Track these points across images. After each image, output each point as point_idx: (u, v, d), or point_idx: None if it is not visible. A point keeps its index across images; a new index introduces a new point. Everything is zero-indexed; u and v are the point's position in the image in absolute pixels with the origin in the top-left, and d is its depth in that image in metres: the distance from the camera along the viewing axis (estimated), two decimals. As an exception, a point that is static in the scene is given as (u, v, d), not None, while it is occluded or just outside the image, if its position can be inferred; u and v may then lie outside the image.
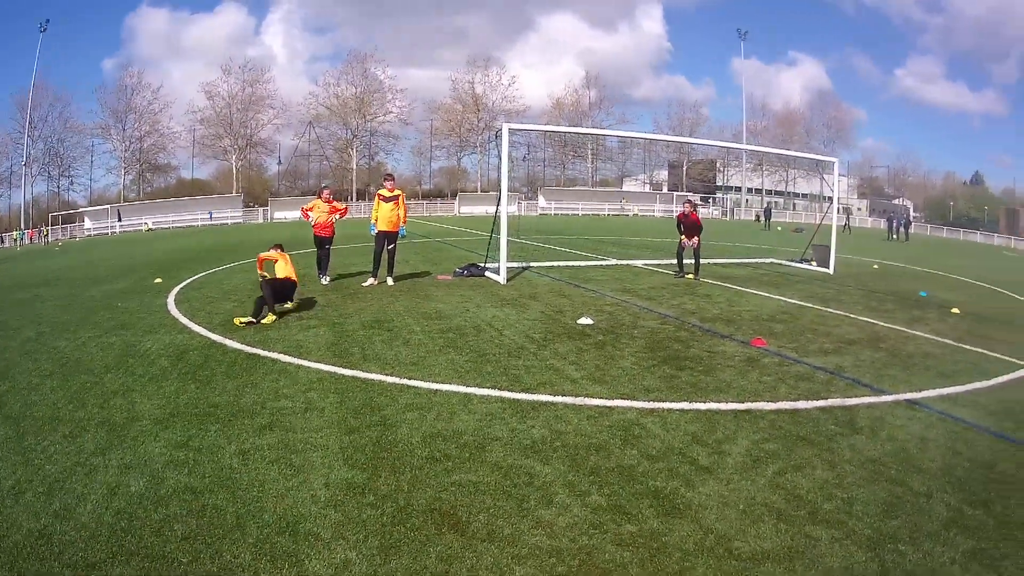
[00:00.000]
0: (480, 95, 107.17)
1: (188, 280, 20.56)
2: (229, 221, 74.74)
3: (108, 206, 77.51)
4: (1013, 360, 12.85)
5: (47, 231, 74.64)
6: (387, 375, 10.21)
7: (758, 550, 5.63)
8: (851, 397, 9.94)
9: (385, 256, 19.35)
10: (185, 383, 9.68)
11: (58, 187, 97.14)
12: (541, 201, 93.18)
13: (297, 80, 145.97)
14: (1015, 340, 14.94)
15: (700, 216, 23.96)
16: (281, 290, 14.68)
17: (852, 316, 16.75)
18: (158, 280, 20.48)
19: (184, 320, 14.19)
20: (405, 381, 9.92)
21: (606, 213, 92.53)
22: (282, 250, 15.40)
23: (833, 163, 32.15)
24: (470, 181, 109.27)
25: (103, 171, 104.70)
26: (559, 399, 9.32)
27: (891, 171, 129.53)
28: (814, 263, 29.13)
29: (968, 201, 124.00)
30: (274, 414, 8.43)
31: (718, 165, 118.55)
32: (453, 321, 14.41)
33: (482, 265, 22.36)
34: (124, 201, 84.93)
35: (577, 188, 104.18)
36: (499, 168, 21.64)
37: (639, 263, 27.55)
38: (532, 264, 25.06)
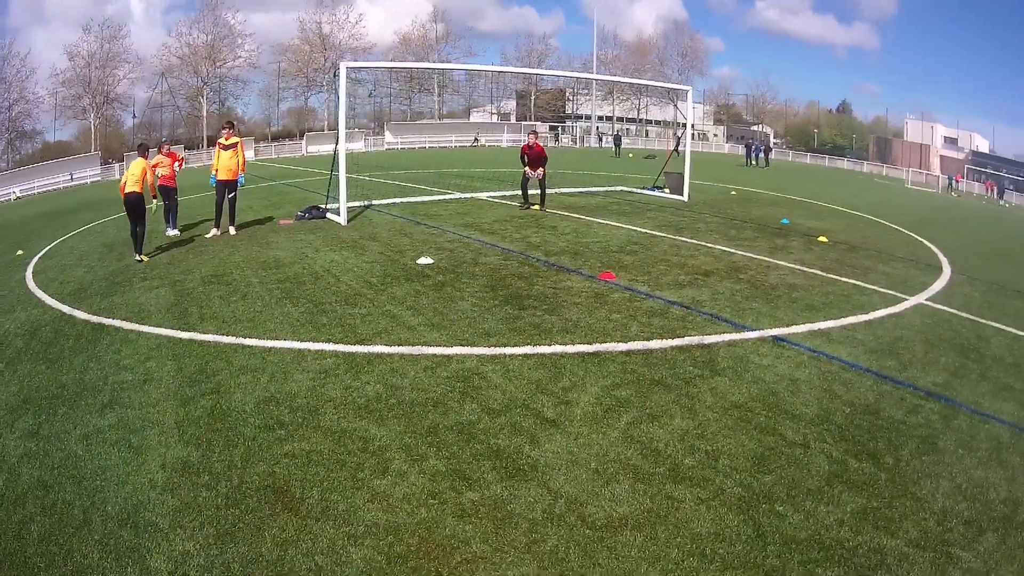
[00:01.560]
0: (327, 34, 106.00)
1: (47, 248, 19.60)
2: (88, 180, 72.96)
3: (-26, 179, 75.22)
4: (891, 292, 12.84)
5: None
6: (223, 335, 9.92)
7: (614, 516, 5.25)
8: (710, 334, 9.60)
9: (226, 205, 19.18)
10: (37, 364, 9.26)
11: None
12: (388, 136, 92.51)
13: (154, 32, 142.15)
14: (891, 271, 15.03)
15: (546, 147, 23.49)
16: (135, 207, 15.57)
17: (708, 245, 16.59)
18: (20, 252, 19.47)
19: (39, 293, 13.57)
20: (240, 340, 9.63)
21: (453, 145, 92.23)
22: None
23: (687, 91, 31.62)
24: (318, 120, 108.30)
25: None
26: (395, 349, 9.04)
27: (750, 99, 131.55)
28: (667, 190, 29.09)
29: (834, 129, 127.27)
30: (115, 390, 8.10)
31: (567, 94, 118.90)
32: (291, 269, 14.07)
33: (323, 207, 22.06)
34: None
35: (424, 122, 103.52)
36: (338, 107, 21.13)
37: (484, 195, 26.96)
38: (375, 202, 24.33)
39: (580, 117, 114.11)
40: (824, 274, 13.98)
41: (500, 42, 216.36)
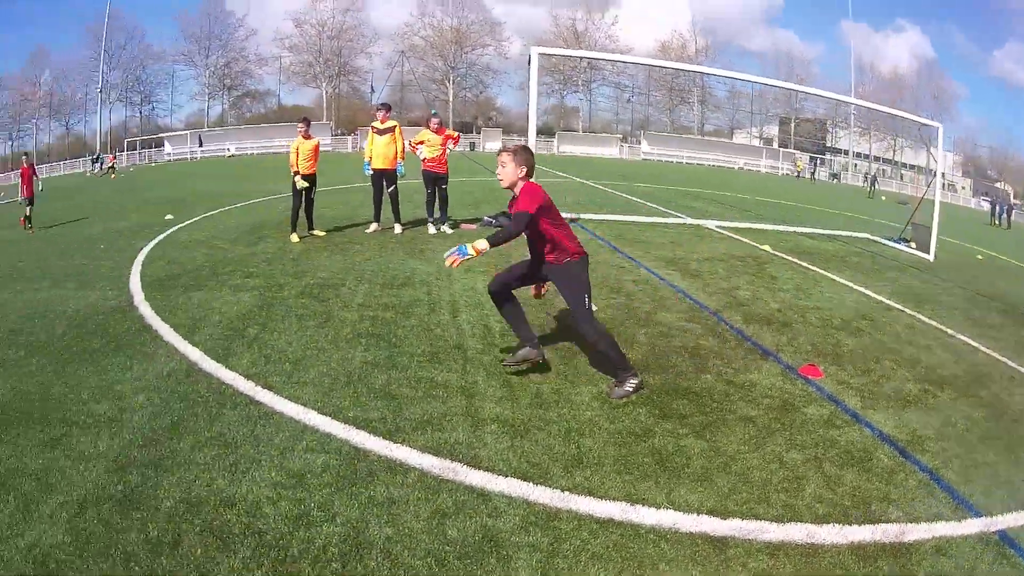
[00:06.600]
0: (582, 32, 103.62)
1: (196, 218, 19.02)
2: (313, 149, 75.67)
3: (188, 131, 79.79)
4: None
5: (99, 158, 69.18)
6: (248, 378, 7.24)
7: None
8: (915, 521, 5.47)
9: (387, 200, 17.00)
10: (79, 366, 7.53)
11: (140, 113, 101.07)
12: (644, 146, 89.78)
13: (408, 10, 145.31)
14: None
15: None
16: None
17: (949, 332, 12.03)
18: (169, 216, 19.12)
19: (134, 271, 12.40)
20: (253, 392, 6.89)
21: (709, 164, 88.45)
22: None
23: (938, 129, 25.66)
24: (580, 120, 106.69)
25: (186, 97, 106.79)
26: (432, 461, 5.77)
27: (993, 151, 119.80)
28: (913, 244, 24.20)
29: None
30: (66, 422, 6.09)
31: (827, 125, 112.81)
32: (414, 292, 11.19)
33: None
34: (209, 127, 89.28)
35: (683, 136, 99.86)
36: (528, 98, 19.60)
37: (712, 224, 23.28)
38: (583, 216, 21.50)
39: (838, 151, 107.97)
40: (1095, 401, 9.10)
41: (762, 62, 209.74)
